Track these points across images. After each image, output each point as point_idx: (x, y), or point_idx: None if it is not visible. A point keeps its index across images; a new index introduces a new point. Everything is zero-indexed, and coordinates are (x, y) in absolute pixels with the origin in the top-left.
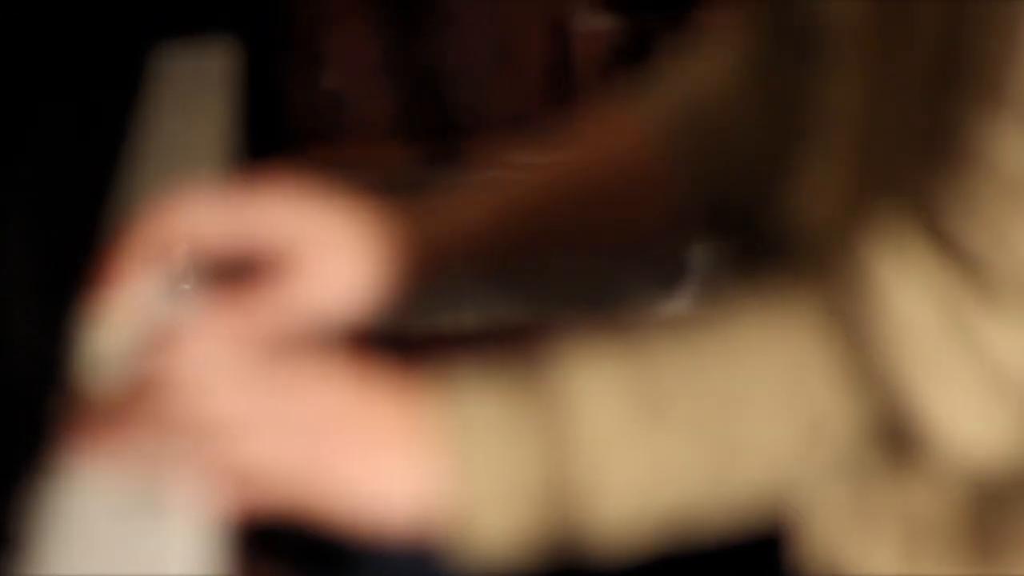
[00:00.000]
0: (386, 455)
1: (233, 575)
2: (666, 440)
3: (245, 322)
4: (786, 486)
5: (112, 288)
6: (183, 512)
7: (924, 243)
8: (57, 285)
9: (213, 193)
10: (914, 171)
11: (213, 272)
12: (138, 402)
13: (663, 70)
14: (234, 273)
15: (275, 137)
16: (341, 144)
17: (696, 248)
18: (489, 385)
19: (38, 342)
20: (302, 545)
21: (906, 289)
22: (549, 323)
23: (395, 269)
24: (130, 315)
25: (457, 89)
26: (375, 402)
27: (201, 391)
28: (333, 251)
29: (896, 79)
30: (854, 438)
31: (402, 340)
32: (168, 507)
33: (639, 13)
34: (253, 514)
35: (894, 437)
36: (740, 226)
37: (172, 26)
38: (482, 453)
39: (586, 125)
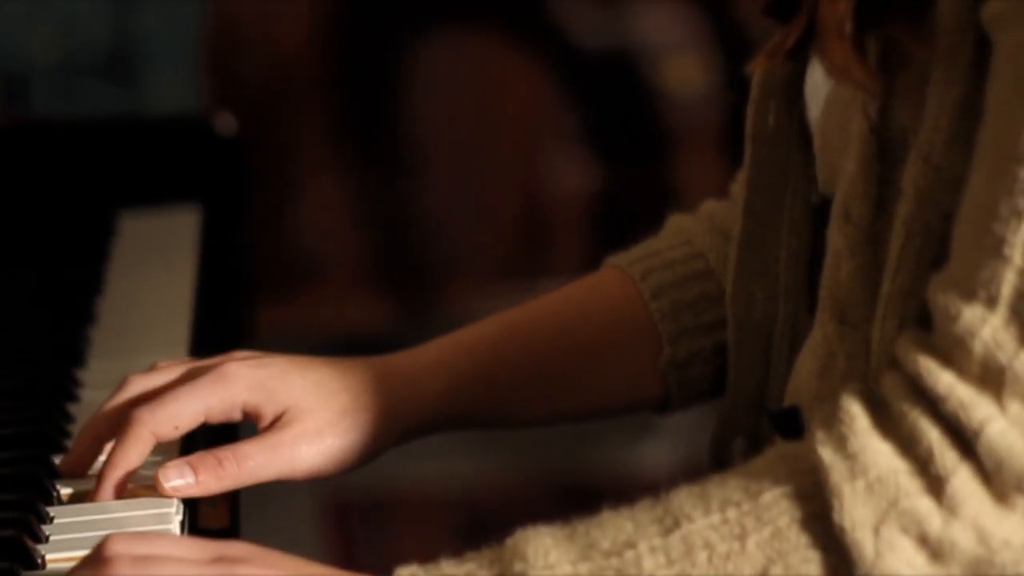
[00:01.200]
0: None
1: None
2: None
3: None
4: None
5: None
6: None
7: (902, 400)
8: (29, 441)
9: (180, 368)
10: (894, 333)
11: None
12: None
13: (652, 236)
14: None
15: (240, 296)
16: (310, 299)
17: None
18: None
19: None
20: None
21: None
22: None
23: (362, 436)
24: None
25: (429, 241)
26: None
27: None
28: (301, 423)
29: (878, 246)
30: None
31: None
32: None
33: (613, 165)
34: None
35: None
36: (718, 382)
37: (138, 193)
38: None
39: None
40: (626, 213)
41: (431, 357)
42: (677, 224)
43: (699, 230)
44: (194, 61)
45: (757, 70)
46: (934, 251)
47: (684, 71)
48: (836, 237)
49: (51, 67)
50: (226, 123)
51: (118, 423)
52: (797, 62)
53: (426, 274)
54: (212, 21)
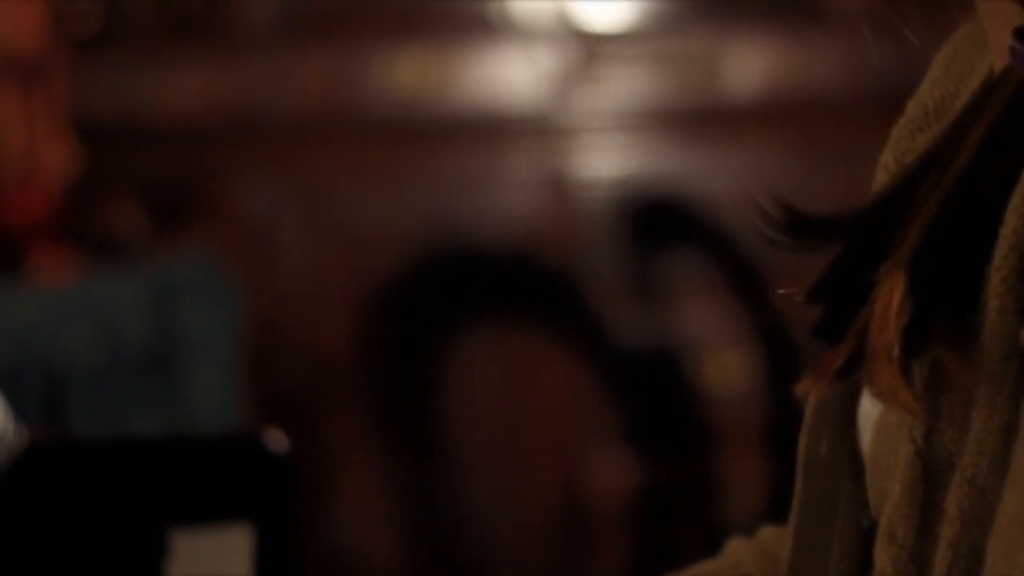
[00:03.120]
0: None
1: None
2: None
3: None
4: None
5: None
6: None
7: None
8: None
9: None
10: None
11: None
12: None
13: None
14: None
15: None
16: None
17: None
18: None
19: None
20: None
21: None
22: None
23: None
24: None
25: (467, 540)
26: None
27: None
28: None
29: (923, 567)
30: None
31: None
32: None
33: (653, 462)
34: None
35: None
36: None
37: (191, 511)
38: None
39: None
40: (667, 511)
41: None
42: (732, 547)
43: (749, 552)
44: (233, 363)
45: (811, 397)
46: (978, 573)
47: (725, 368)
48: (881, 558)
49: (90, 368)
50: (277, 439)
51: None
52: (849, 390)
53: (464, 573)
54: (251, 323)
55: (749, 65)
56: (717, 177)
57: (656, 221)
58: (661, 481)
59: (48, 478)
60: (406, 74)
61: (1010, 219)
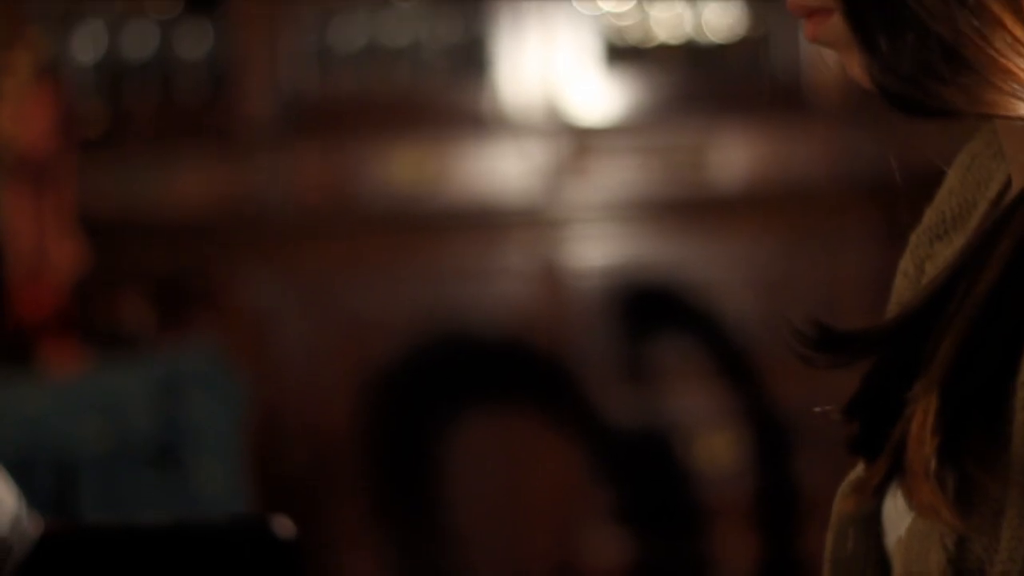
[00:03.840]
0: None
1: None
2: None
3: None
4: None
5: None
6: None
7: None
8: None
9: None
10: None
11: None
12: None
13: None
14: None
15: None
16: None
17: None
18: None
19: None
20: None
21: None
22: None
23: None
24: None
25: None
26: None
27: None
28: None
29: None
30: None
31: None
32: None
33: (646, 540)
34: None
35: None
36: None
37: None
38: None
39: None
40: None
41: None
42: None
43: None
44: (239, 451)
45: (837, 497)
46: None
47: (716, 448)
48: None
49: (99, 458)
50: (284, 526)
51: None
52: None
53: None
54: (256, 412)
55: (735, 156)
56: (706, 265)
57: (647, 308)
58: (654, 559)
59: (63, 567)
60: (403, 169)
61: None
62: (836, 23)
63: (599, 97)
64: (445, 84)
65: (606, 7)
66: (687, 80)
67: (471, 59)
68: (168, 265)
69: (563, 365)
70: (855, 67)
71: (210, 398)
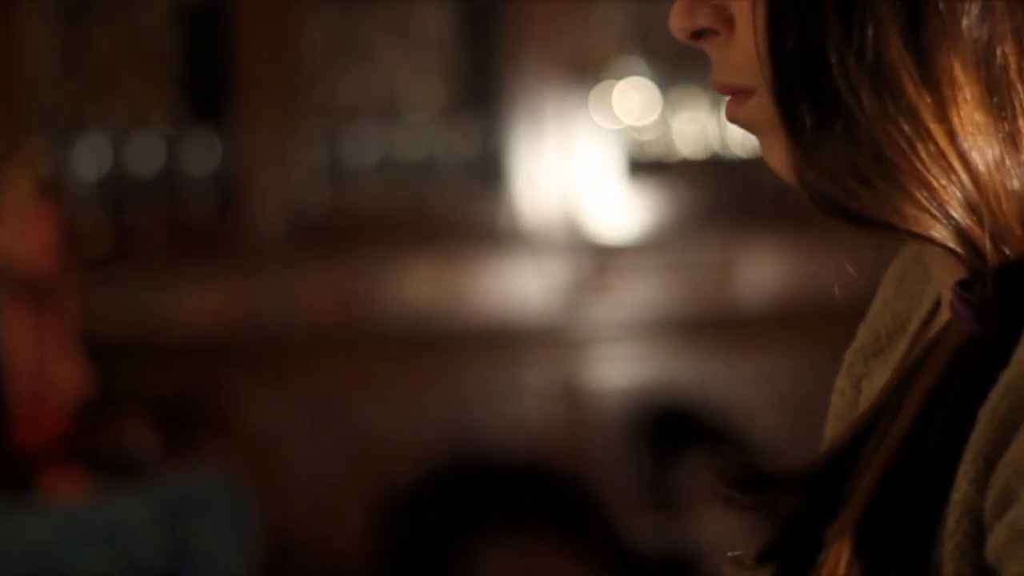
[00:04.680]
0: None
1: None
2: None
3: None
4: None
5: None
6: None
7: None
8: None
9: None
10: None
11: None
12: None
13: None
14: None
15: None
16: None
17: None
18: None
19: None
20: None
21: None
22: None
23: None
24: None
25: None
26: None
27: None
28: None
29: None
30: None
31: None
32: None
33: None
34: None
35: None
36: None
37: None
38: None
39: None
40: None
41: None
42: None
43: None
44: (248, 573)
45: None
46: None
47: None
48: None
49: None
50: None
51: None
52: None
53: None
54: (265, 535)
55: (761, 272)
56: (731, 384)
57: (670, 430)
58: None
59: None
60: (417, 286)
61: (961, 484)
62: (758, 104)
63: (620, 212)
64: (461, 198)
65: (627, 120)
66: (711, 195)
67: (488, 173)
68: (174, 387)
69: (584, 488)
70: (774, 154)
71: (218, 525)
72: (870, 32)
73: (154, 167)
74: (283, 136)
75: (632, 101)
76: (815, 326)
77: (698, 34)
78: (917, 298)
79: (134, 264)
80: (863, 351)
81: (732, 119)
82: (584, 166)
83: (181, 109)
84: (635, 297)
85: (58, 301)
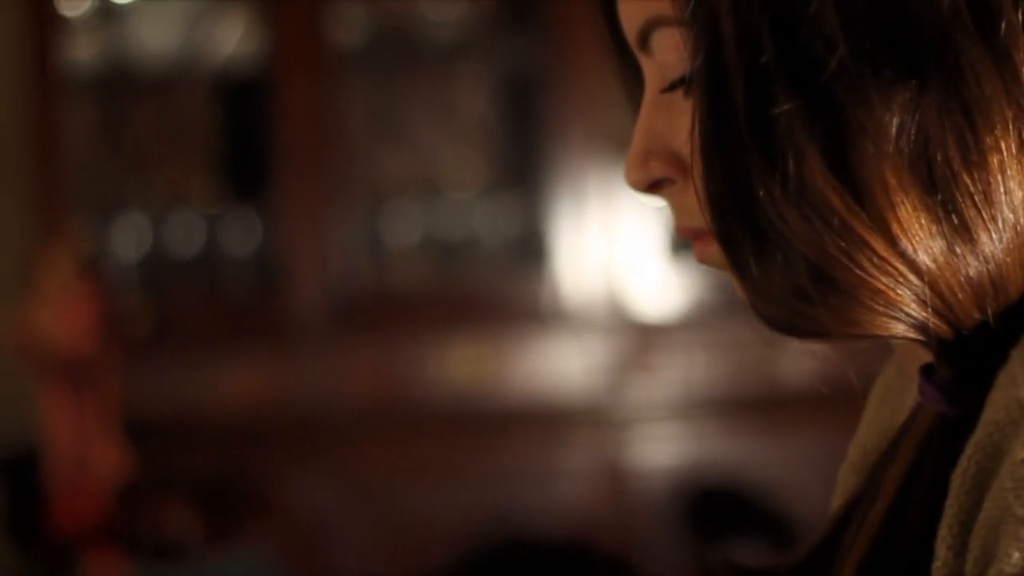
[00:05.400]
0: None
1: None
2: None
3: None
4: None
5: None
6: None
7: None
8: None
9: None
10: None
11: None
12: None
13: None
14: None
15: None
16: None
17: None
18: None
19: None
20: None
21: None
22: None
23: None
24: None
25: None
26: None
27: None
28: None
29: None
30: None
31: None
32: None
33: None
34: None
35: None
36: None
37: None
38: None
39: None
40: None
41: None
42: None
43: None
44: None
45: None
46: None
47: None
48: None
49: None
50: None
51: None
52: None
53: None
54: None
55: (802, 352)
56: (774, 464)
57: (714, 510)
58: None
59: None
60: (459, 366)
61: (940, 551)
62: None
63: (663, 291)
64: (503, 277)
65: None
66: None
67: (530, 251)
68: (215, 469)
69: (628, 569)
70: (738, 289)
71: None
72: (791, 161)
73: (194, 247)
74: (323, 215)
75: None
76: (859, 405)
77: (655, 185)
78: (898, 411)
79: (174, 345)
80: (852, 468)
81: (700, 260)
82: (627, 244)
83: (221, 188)
84: (678, 376)
85: (98, 383)
